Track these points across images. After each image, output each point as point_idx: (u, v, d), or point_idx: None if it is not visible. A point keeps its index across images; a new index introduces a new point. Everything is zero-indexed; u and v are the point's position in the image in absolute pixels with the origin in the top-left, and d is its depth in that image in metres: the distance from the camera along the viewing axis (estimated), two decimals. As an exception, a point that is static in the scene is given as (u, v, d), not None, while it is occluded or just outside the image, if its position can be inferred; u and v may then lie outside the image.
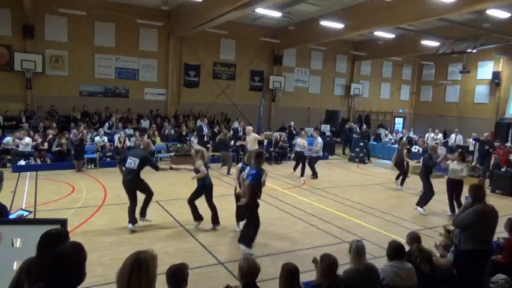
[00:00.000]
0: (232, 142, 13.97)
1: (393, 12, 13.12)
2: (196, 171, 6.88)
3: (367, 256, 3.80)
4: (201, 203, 7.06)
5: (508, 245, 4.67)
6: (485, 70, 21.93)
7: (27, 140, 12.07)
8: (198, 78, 19.08)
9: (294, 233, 7.16)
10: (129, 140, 13.64)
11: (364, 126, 20.09)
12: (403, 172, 11.61)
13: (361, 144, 16.62)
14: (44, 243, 2.33)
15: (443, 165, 9.16)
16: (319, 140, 12.63)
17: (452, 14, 12.73)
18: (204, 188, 6.94)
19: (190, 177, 7.16)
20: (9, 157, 11.84)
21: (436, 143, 15.59)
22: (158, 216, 7.41)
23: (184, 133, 15.42)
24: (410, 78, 26.68)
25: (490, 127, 19.15)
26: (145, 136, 13.54)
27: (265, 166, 9.46)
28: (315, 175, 12.38)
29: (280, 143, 15.42)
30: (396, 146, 14.89)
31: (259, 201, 6.20)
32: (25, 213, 4.36)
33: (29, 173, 11.14)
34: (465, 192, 4.96)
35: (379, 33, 17.15)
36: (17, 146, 11.85)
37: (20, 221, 3.86)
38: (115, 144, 13.41)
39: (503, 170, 11.98)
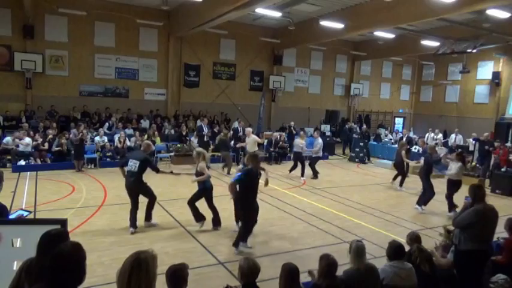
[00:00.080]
0: (232, 142, 13.96)
1: (393, 12, 13.12)
2: (199, 173, 6.80)
3: (367, 256, 3.80)
4: (201, 203, 7.05)
5: (508, 245, 4.67)
6: (485, 70, 21.93)
7: (28, 140, 12.07)
8: (198, 78, 19.09)
9: (294, 233, 7.16)
10: (129, 140, 13.64)
11: (364, 126, 20.09)
12: (401, 173, 11.59)
13: (361, 144, 16.62)
14: (44, 244, 2.33)
15: (443, 161, 9.20)
16: (319, 140, 12.62)
17: (452, 14, 12.73)
18: (205, 190, 6.93)
19: (190, 179, 7.12)
20: (9, 157, 11.84)
21: (436, 143, 15.62)
22: (158, 216, 7.40)
23: (184, 133, 15.41)
24: (410, 78, 26.68)
25: (490, 127, 19.16)
26: (145, 136, 13.55)
27: (265, 166, 9.48)
28: (315, 175, 12.37)
29: (280, 143, 15.42)
30: (396, 146, 14.88)
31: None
32: (25, 213, 4.36)
33: (29, 173, 11.14)
34: (465, 192, 4.95)
35: (379, 33, 17.15)
36: (17, 146, 11.85)
37: (20, 221, 3.86)
38: (115, 144, 13.41)
39: (503, 170, 11.98)
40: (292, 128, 18.09)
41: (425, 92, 26.11)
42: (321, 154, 12.90)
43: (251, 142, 11.93)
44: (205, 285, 4.95)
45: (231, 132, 15.39)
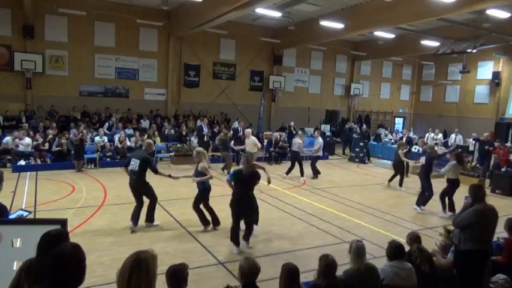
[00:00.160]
0: (232, 143, 13.95)
1: (393, 12, 13.12)
2: (201, 174, 6.75)
3: (367, 256, 3.80)
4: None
5: (508, 245, 4.67)
6: (485, 70, 21.94)
7: (28, 140, 12.06)
8: (198, 78, 19.09)
9: (294, 233, 7.16)
10: (129, 140, 13.65)
11: (364, 126, 20.09)
12: (399, 173, 11.60)
13: (361, 144, 16.62)
14: (44, 244, 2.33)
15: (448, 156, 9.26)
16: (320, 139, 12.63)
17: (452, 14, 12.73)
18: (205, 190, 6.91)
19: (188, 179, 7.09)
20: (9, 157, 11.84)
21: (436, 143, 15.63)
22: (158, 216, 7.40)
23: (184, 133, 15.42)
24: (410, 78, 26.68)
25: (490, 127, 19.17)
26: (145, 136, 13.55)
27: (265, 166, 9.47)
28: (315, 175, 12.37)
29: (280, 143, 15.42)
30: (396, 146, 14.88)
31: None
32: (25, 214, 4.36)
33: (29, 173, 11.14)
34: (465, 192, 4.95)
35: (379, 33, 17.15)
36: (17, 146, 11.85)
37: (20, 221, 3.86)
38: (115, 144, 13.42)
39: (503, 170, 11.98)
40: (292, 128, 18.11)
41: (425, 92, 26.11)
42: (321, 154, 12.89)
43: (250, 144, 11.86)
44: (205, 285, 4.95)
45: (231, 132, 15.40)
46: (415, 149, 15.27)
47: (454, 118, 23.01)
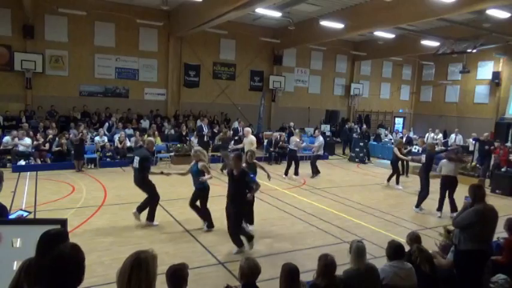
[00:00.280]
0: (232, 142, 13.94)
1: (393, 12, 13.12)
2: (201, 173, 6.76)
3: (367, 256, 3.80)
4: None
5: (508, 245, 4.67)
6: (485, 70, 21.94)
7: (28, 141, 12.05)
8: (198, 78, 19.09)
9: (294, 233, 7.16)
10: (129, 140, 13.65)
11: (364, 126, 20.09)
12: (396, 172, 11.64)
13: (361, 144, 16.62)
14: (43, 243, 2.32)
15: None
16: (321, 138, 12.67)
17: (452, 14, 12.73)
18: (204, 190, 6.92)
19: (187, 178, 7.18)
20: (9, 157, 11.84)
21: (436, 143, 15.61)
22: (158, 216, 7.40)
23: (184, 133, 15.42)
24: (410, 78, 26.69)
25: (490, 127, 19.17)
26: (146, 136, 13.53)
27: (265, 166, 9.48)
28: (315, 174, 12.38)
29: (280, 143, 15.41)
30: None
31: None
32: (25, 214, 4.34)
33: (29, 173, 11.13)
34: (464, 192, 4.94)
35: (379, 33, 17.15)
36: (16, 145, 11.84)
37: (20, 221, 3.86)
38: (115, 144, 13.41)
39: (503, 170, 11.98)
40: (292, 128, 18.09)
41: (425, 92, 26.11)
42: (321, 153, 12.90)
43: (248, 143, 11.83)
44: (205, 285, 4.95)
45: (231, 132, 15.39)
46: (415, 149, 15.28)
47: (454, 118, 23.01)
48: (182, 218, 7.44)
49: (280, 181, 11.69)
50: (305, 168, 12.89)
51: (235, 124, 16.46)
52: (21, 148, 11.85)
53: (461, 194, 7.07)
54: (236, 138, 14.65)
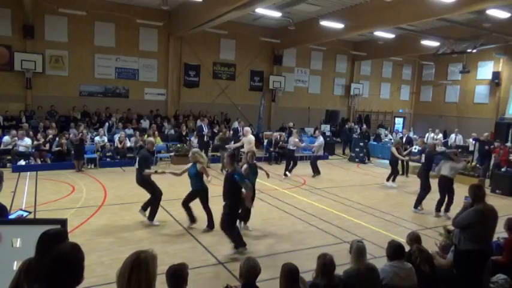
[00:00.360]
0: (232, 143, 13.92)
1: (393, 12, 13.12)
2: (200, 174, 6.84)
3: (367, 256, 3.80)
4: (197, 204, 7.07)
5: (508, 245, 4.67)
6: (485, 70, 21.93)
7: (28, 141, 12.04)
8: (198, 78, 19.08)
9: (294, 233, 7.16)
10: (129, 140, 13.65)
11: (364, 126, 20.10)
12: (394, 172, 11.71)
13: (361, 144, 16.63)
14: (42, 243, 2.32)
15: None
16: (321, 138, 12.68)
17: (452, 14, 12.72)
18: (202, 191, 6.93)
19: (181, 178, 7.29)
20: (9, 157, 11.84)
21: (436, 143, 15.60)
22: (158, 216, 7.40)
23: (184, 133, 15.42)
24: (410, 78, 26.68)
25: (490, 127, 19.16)
26: (146, 136, 13.54)
27: (265, 166, 9.48)
28: (315, 173, 12.38)
29: (280, 143, 15.41)
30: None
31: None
32: (25, 214, 4.34)
33: (29, 173, 11.14)
34: (464, 192, 4.95)
35: (379, 33, 17.14)
36: (15, 145, 11.84)
37: (20, 221, 3.85)
38: (115, 144, 13.41)
39: (503, 170, 11.98)
40: (292, 129, 18.07)
41: (425, 92, 26.11)
42: (321, 153, 12.90)
43: (246, 142, 11.81)
44: (205, 285, 4.95)
45: (231, 132, 15.39)
46: (415, 148, 15.27)
47: (454, 118, 23.01)
48: (182, 218, 7.43)
49: (280, 181, 11.69)
50: (305, 168, 12.89)
51: (235, 124, 16.46)
52: (21, 148, 11.85)
53: (461, 194, 7.07)
54: (236, 138, 14.63)
